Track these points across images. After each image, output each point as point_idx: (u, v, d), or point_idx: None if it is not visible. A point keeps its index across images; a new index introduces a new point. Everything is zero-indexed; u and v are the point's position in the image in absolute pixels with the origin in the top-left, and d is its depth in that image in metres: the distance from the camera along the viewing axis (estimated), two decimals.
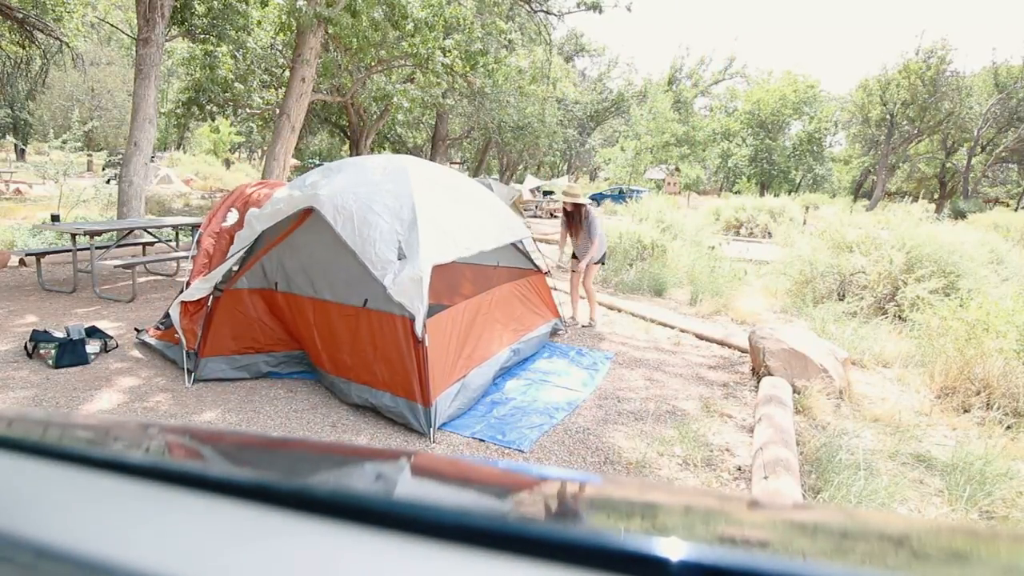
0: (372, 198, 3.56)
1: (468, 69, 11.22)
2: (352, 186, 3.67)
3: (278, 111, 10.12)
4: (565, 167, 43.26)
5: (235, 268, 3.90)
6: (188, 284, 4.11)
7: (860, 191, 39.27)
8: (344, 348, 3.59)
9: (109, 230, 6.33)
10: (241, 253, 3.87)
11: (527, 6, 16.36)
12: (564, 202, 5.70)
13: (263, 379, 3.99)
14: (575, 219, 5.67)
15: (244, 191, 4.46)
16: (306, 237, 3.80)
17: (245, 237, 3.88)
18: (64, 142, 11.87)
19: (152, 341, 4.38)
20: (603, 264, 5.98)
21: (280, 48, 13.18)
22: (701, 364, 4.88)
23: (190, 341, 3.91)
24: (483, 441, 3.28)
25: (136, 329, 4.75)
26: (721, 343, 5.44)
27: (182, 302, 4.01)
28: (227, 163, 30.65)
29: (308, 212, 3.77)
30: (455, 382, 3.54)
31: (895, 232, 6.86)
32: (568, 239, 5.94)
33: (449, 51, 10.91)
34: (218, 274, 3.88)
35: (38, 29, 10.20)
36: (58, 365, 3.95)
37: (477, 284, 4.69)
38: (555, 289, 5.45)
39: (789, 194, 29.81)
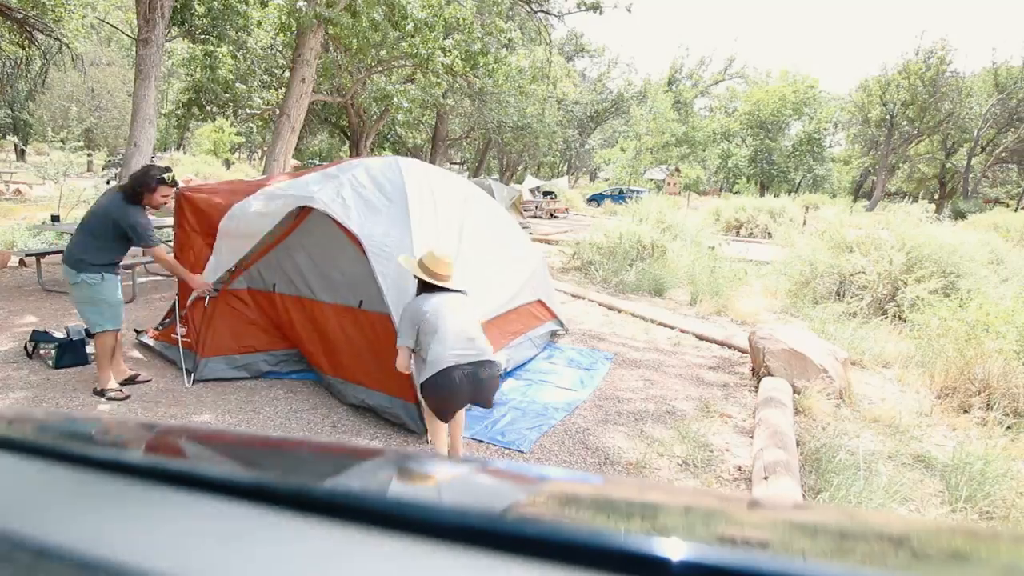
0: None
1: (468, 69, 11.20)
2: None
3: (278, 111, 10.12)
4: (565, 167, 43.24)
5: (232, 268, 3.90)
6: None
7: (860, 191, 39.25)
8: (340, 349, 3.59)
9: None
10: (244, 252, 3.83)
11: (527, 6, 16.35)
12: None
13: (263, 379, 3.99)
14: None
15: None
16: (303, 239, 3.79)
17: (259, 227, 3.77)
18: (63, 141, 11.85)
19: (151, 342, 4.38)
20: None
21: (280, 48, 13.17)
22: (701, 365, 4.87)
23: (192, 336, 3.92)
24: (482, 442, 3.28)
25: (136, 330, 4.75)
26: (721, 343, 5.43)
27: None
28: (227, 163, 30.64)
29: (305, 214, 3.76)
30: None
31: (895, 232, 6.86)
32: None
33: (449, 51, 10.89)
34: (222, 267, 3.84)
35: (38, 29, 10.18)
36: (58, 365, 3.95)
37: None
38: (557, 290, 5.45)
39: (789, 194, 29.78)
